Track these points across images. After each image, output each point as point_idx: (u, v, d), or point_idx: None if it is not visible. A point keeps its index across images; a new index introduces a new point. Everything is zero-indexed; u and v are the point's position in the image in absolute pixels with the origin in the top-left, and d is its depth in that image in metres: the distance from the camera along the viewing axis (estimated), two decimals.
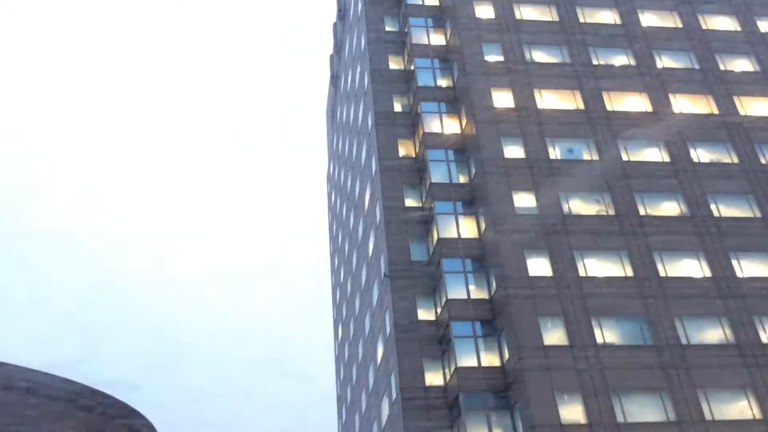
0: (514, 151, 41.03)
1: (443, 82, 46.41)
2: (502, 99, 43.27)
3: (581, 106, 43.78)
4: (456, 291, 37.37)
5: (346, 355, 56.31)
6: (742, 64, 48.09)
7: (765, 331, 35.83)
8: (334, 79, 71.13)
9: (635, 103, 44.79)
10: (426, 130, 43.39)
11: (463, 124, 43.63)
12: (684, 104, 45.17)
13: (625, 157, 41.78)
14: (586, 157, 41.69)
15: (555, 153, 41.43)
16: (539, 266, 36.65)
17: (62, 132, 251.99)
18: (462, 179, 41.96)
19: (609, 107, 43.96)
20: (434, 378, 36.53)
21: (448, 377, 35.92)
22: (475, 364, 35.07)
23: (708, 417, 32.63)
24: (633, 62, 46.72)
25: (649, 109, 44.44)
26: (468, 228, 40.02)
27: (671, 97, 45.20)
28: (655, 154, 42.44)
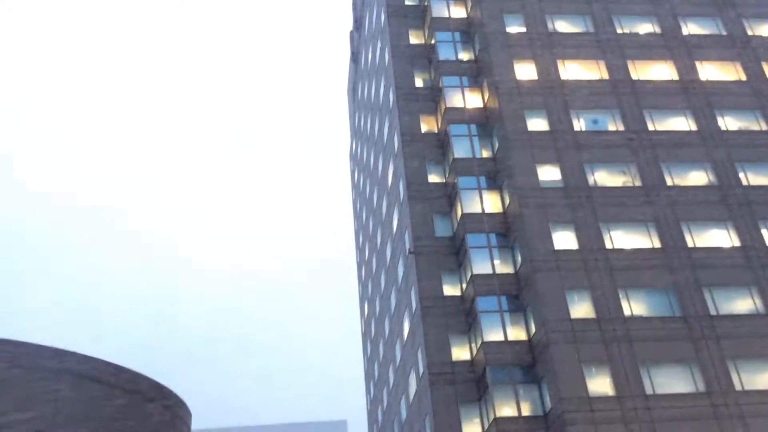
0: (537, 123, 40.62)
1: (465, 56, 45.94)
2: (525, 71, 42.77)
3: (606, 76, 43.13)
4: (481, 266, 37.30)
5: (373, 331, 56.57)
6: None
7: None
8: (355, 56, 70.75)
9: (661, 71, 44.00)
10: (448, 105, 43.07)
11: (486, 98, 43.21)
12: (711, 71, 44.29)
13: (651, 127, 41.16)
14: (612, 127, 41.14)
15: (579, 124, 40.94)
16: (565, 239, 36.42)
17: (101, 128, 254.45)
18: (485, 153, 41.67)
19: (634, 76, 43.27)
20: (461, 353, 36.61)
21: (474, 352, 35.96)
22: (501, 338, 35.07)
23: (738, 387, 32.37)
24: (658, 30, 45.84)
25: (675, 77, 43.66)
26: (492, 202, 39.81)
27: (698, 64, 44.34)
28: (681, 123, 41.75)
